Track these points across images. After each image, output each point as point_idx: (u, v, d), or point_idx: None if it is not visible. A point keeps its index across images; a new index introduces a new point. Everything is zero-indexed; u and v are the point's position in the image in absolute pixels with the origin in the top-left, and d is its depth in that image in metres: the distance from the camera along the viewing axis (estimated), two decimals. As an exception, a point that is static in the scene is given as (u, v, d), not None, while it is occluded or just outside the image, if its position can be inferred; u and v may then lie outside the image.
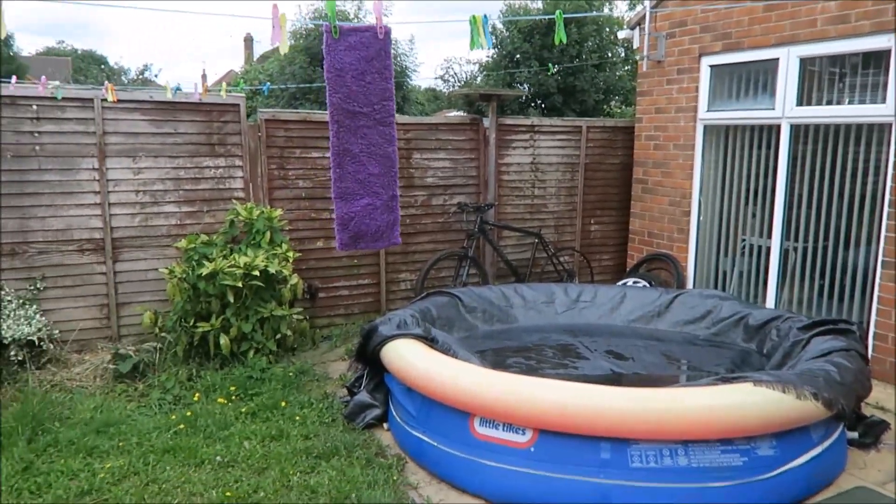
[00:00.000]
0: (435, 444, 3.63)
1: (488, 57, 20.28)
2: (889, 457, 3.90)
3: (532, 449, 3.32)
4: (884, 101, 5.03)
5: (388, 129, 3.22)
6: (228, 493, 3.35)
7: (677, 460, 3.22)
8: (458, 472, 3.51)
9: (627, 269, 7.19)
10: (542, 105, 19.56)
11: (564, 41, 3.30)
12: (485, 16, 3.18)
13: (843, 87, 5.49)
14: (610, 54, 21.07)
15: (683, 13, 6.48)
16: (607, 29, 19.64)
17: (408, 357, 3.84)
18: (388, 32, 3.07)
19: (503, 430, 3.40)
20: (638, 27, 6.95)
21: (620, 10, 21.39)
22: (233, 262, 4.93)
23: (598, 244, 7.47)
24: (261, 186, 5.85)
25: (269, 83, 6.28)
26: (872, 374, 4.26)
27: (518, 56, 19.94)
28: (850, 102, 5.37)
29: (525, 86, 18.52)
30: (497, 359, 4.47)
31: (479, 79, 22.71)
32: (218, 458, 3.72)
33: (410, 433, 3.81)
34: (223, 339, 4.92)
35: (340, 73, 3.09)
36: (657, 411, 3.21)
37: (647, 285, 6.48)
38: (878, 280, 5.12)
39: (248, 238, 5.34)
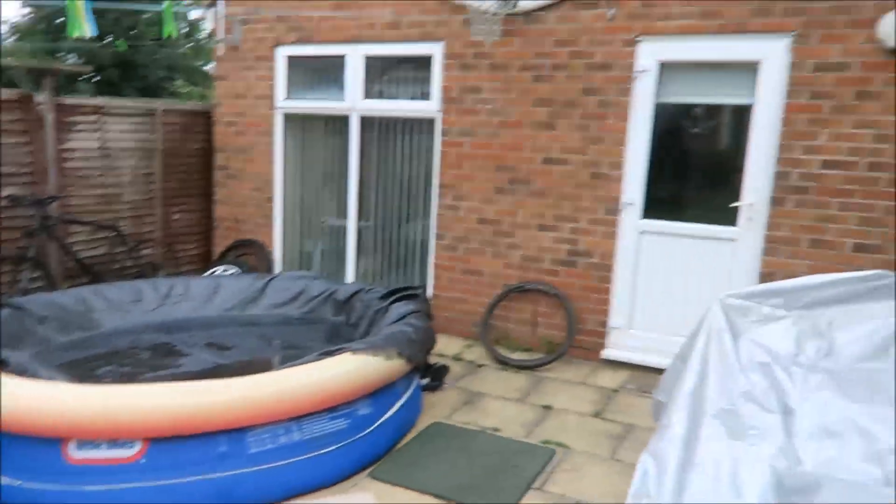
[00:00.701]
0: (16, 485, 3.10)
1: (23, 16, 17.27)
2: (451, 393, 4.77)
3: (142, 461, 3.11)
4: (430, 99, 6.00)
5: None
6: None
7: (292, 436, 3.40)
8: (53, 508, 3.08)
9: (215, 258, 7.10)
10: (97, 80, 17.54)
11: (174, 35, 3.10)
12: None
13: (402, 84, 6.31)
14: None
15: (257, 1, 6.58)
16: (167, 2, 18.56)
17: (-33, 389, 3.16)
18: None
19: (106, 448, 3.09)
20: (212, 9, 6.80)
21: (178, -18, 20.44)
22: None
23: (183, 233, 7.17)
24: None
25: None
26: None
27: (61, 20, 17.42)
28: (407, 98, 6.23)
29: (73, 57, 16.37)
30: (85, 371, 4.00)
31: (8, 41, 19.13)
32: None
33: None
34: None
35: None
36: (270, 395, 3.32)
37: (237, 272, 6.52)
38: (431, 249, 6.15)
39: None
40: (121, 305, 4.99)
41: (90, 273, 6.07)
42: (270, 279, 5.55)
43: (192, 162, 7.13)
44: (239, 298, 5.39)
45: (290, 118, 6.76)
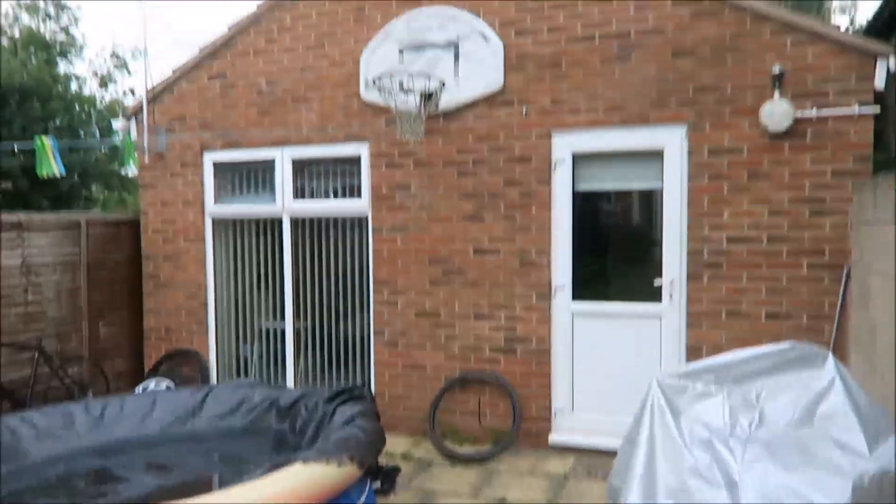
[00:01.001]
0: None
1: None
2: (403, 495, 4.72)
3: None
4: (360, 196, 6.18)
5: None
6: None
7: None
8: None
9: (147, 371, 6.86)
10: (3, 190, 16.97)
11: (136, 165, 3.24)
12: (53, 138, 2.88)
13: (332, 183, 6.48)
14: (84, 134, 19.80)
15: (182, 109, 6.70)
16: (78, 107, 18.41)
17: None
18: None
19: None
20: (135, 118, 6.86)
21: (91, 87, 20.40)
22: None
23: (111, 348, 6.92)
24: None
25: None
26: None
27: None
28: (338, 197, 6.40)
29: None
30: (16, 509, 3.76)
31: None
32: None
33: None
34: None
35: None
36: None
37: (171, 385, 6.33)
38: (372, 346, 6.18)
39: None
40: (52, 432, 4.72)
41: (11, 398, 5.75)
42: (209, 390, 5.40)
43: (119, 273, 6.98)
44: (177, 413, 5.20)
45: (219, 223, 6.78)
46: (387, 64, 5.89)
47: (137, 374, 6.97)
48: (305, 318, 6.57)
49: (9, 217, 6.19)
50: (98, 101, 19.87)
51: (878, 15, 8.33)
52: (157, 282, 6.91)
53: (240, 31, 6.49)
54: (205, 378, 6.58)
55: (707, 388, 2.94)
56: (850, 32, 11.20)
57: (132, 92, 20.98)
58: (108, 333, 6.90)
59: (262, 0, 6.40)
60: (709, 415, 2.85)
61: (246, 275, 6.85)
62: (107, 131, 19.79)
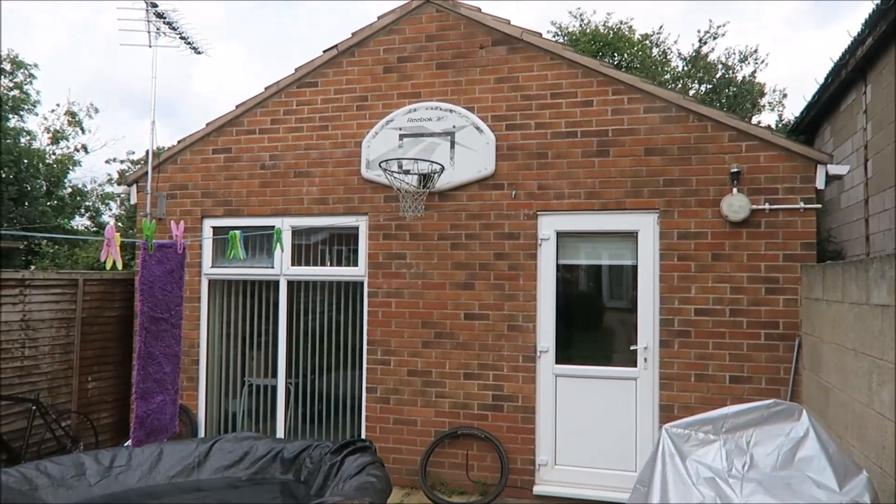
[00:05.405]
0: None
1: None
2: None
3: None
4: (357, 264, 6.66)
5: (179, 332, 3.66)
6: None
7: None
8: None
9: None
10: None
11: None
12: (241, 232, 3.74)
13: (330, 250, 6.93)
14: (29, 187, 19.54)
15: (184, 178, 7.07)
16: (26, 161, 18.21)
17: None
18: (185, 248, 3.54)
19: None
20: (136, 185, 7.17)
21: (42, 141, 20.22)
22: None
23: (97, 402, 6.99)
24: None
25: None
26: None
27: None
28: (335, 264, 6.84)
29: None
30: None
31: None
32: None
33: None
34: None
35: (151, 285, 3.44)
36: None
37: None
38: (363, 402, 6.53)
39: None
40: (64, 481, 4.85)
41: (8, 451, 5.77)
42: (214, 442, 5.61)
43: (111, 329, 7.13)
44: (183, 465, 5.39)
45: (215, 284, 7.07)
46: (387, 147, 6.49)
47: (123, 429, 7.03)
48: (297, 375, 6.87)
49: (13, 274, 6.33)
50: (48, 156, 19.71)
51: (802, 117, 9.63)
52: (149, 338, 7.07)
53: (246, 111, 6.99)
54: (193, 433, 6.72)
55: (706, 436, 3.50)
56: (777, 127, 12.59)
57: (84, 149, 20.92)
58: (98, 387, 6.98)
59: (269, 84, 6.96)
60: (709, 458, 3.40)
61: (238, 333, 7.11)
62: (56, 185, 19.65)
